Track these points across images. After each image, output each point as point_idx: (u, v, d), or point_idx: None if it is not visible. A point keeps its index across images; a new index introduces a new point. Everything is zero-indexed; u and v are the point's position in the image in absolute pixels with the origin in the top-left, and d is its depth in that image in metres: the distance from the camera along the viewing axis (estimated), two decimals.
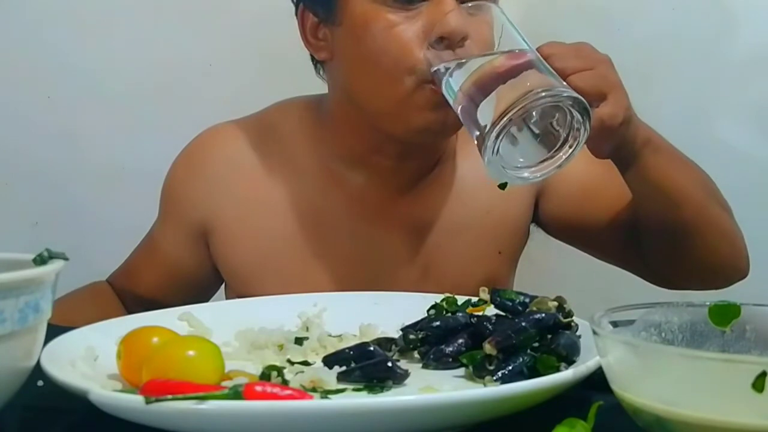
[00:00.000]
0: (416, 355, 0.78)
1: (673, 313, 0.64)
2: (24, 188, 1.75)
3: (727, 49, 1.63)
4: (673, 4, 1.64)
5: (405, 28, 0.93)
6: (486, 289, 0.79)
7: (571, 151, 0.78)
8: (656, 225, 0.99)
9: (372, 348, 0.74)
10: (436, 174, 1.09)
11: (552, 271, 1.54)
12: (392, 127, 0.99)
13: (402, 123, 0.96)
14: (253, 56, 1.67)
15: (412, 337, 0.78)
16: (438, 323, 0.78)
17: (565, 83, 0.77)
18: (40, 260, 0.64)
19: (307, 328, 0.84)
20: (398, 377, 0.69)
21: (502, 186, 0.82)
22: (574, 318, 0.74)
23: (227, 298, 1.16)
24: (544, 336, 0.71)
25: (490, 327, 0.74)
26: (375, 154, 1.05)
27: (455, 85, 0.82)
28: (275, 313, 0.86)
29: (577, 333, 0.73)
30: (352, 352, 0.73)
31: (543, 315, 0.72)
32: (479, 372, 0.70)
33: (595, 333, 0.57)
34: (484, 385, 0.69)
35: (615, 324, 0.60)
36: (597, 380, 0.60)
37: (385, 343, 0.79)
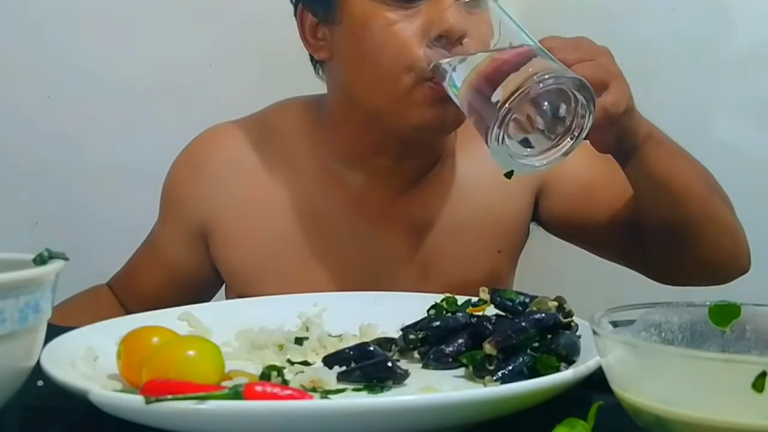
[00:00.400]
0: (416, 355, 0.78)
1: (673, 313, 0.64)
2: (24, 188, 1.75)
3: (726, 48, 1.63)
4: (673, 4, 1.64)
5: (404, 26, 0.93)
6: (486, 289, 0.79)
7: (576, 137, 0.78)
8: (658, 220, 0.99)
9: (372, 348, 0.74)
10: (435, 173, 1.09)
11: (552, 271, 1.55)
12: (391, 125, 0.99)
13: (401, 120, 0.97)
14: (253, 56, 1.68)
15: (412, 337, 0.78)
16: (438, 323, 0.78)
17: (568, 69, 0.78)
18: (40, 260, 0.64)
19: (307, 328, 0.84)
20: (398, 377, 0.69)
21: (508, 175, 0.82)
22: (574, 318, 0.74)
23: (227, 298, 1.16)
24: (544, 336, 0.71)
25: (490, 327, 0.74)
26: (374, 154, 1.06)
27: (458, 79, 0.83)
28: (275, 313, 0.86)
29: (577, 333, 0.73)
30: (352, 352, 0.73)
31: (543, 315, 0.72)
32: (479, 372, 0.70)
33: (595, 333, 0.57)
34: (484, 385, 0.69)
35: (615, 324, 0.60)
36: (597, 380, 0.60)
37: (385, 343, 0.79)
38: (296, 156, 1.10)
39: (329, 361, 0.73)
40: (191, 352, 0.65)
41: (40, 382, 0.66)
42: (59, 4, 1.73)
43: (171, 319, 0.81)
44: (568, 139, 0.78)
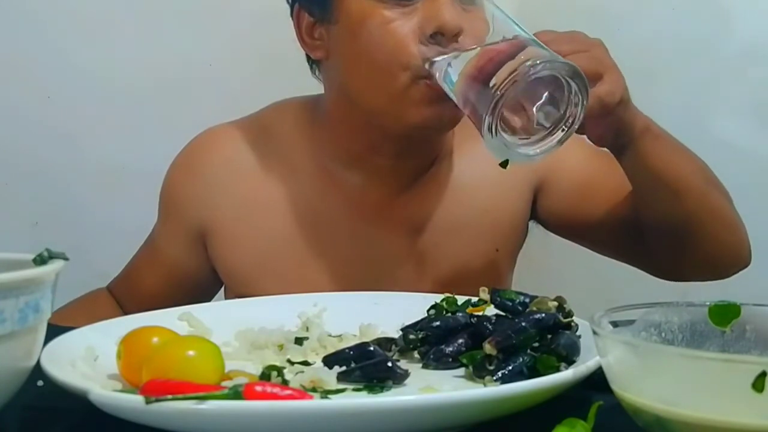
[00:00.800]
0: (416, 355, 0.78)
1: (673, 313, 0.64)
2: (24, 188, 1.75)
3: (726, 48, 1.64)
4: (673, 4, 1.64)
5: (401, 24, 0.93)
6: (486, 289, 0.79)
7: (570, 126, 0.78)
8: (657, 215, 0.99)
9: (372, 348, 0.74)
10: (433, 173, 1.09)
11: (552, 270, 1.55)
12: (388, 123, 0.99)
13: (398, 119, 0.97)
14: (253, 56, 1.68)
15: (412, 337, 0.78)
16: (438, 323, 0.78)
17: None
18: (40, 260, 0.64)
19: (307, 328, 0.84)
20: (398, 377, 0.69)
21: (504, 164, 0.82)
22: (574, 318, 0.74)
23: (226, 299, 1.16)
24: (544, 336, 0.71)
25: (490, 327, 0.74)
26: (372, 154, 1.06)
27: (454, 73, 0.83)
28: (275, 313, 0.86)
29: (577, 333, 0.73)
30: (352, 352, 0.73)
31: (543, 315, 0.72)
32: (479, 372, 0.70)
33: (595, 333, 0.57)
34: (484, 385, 0.69)
35: (615, 324, 0.60)
36: (597, 380, 0.60)
37: (385, 343, 0.79)
38: (294, 156, 1.10)
39: (329, 361, 0.73)
40: (191, 352, 0.65)
41: (40, 382, 0.66)
42: (59, 4, 1.73)
43: (171, 319, 0.81)
44: (563, 127, 0.79)
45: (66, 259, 0.64)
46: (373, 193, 1.08)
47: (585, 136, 0.93)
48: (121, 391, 0.66)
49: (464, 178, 1.10)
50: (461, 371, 0.73)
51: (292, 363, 0.77)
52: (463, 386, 0.70)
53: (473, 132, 1.07)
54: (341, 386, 0.69)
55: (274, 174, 1.10)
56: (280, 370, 0.69)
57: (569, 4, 1.57)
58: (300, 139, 1.10)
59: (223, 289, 1.18)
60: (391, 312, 0.84)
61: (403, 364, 0.72)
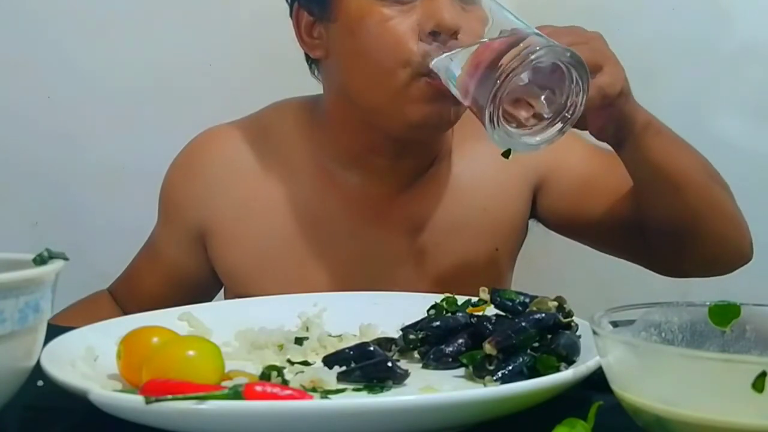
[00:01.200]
0: (416, 355, 0.78)
1: (673, 313, 0.64)
2: (24, 188, 1.75)
3: (726, 48, 1.64)
4: (673, 4, 1.64)
5: (399, 22, 0.93)
6: (486, 289, 0.79)
7: (571, 115, 0.78)
8: (659, 210, 0.98)
9: (372, 348, 0.74)
10: (432, 173, 1.09)
11: (552, 270, 1.55)
12: (388, 122, 0.99)
13: (397, 117, 0.97)
14: (253, 56, 1.68)
15: (412, 337, 0.78)
16: (438, 323, 0.78)
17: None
18: (40, 260, 0.64)
19: (307, 328, 0.84)
20: (398, 377, 0.69)
21: (506, 154, 0.83)
22: (574, 318, 0.74)
23: (226, 299, 1.16)
24: (544, 336, 0.71)
25: (490, 327, 0.74)
26: (371, 154, 1.06)
27: (456, 68, 0.83)
28: (275, 313, 0.86)
29: (577, 333, 0.73)
30: (352, 352, 0.73)
31: (543, 315, 0.72)
32: (479, 372, 0.70)
33: (595, 333, 0.57)
34: (484, 385, 0.68)
35: (615, 324, 0.60)
36: (597, 380, 0.60)
37: (385, 343, 0.79)
38: (293, 156, 1.10)
39: (329, 361, 0.73)
40: (191, 352, 0.65)
41: (40, 382, 0.66)
42: (59, 4, 1.73)
43: (171, 319, 0.81)
44: (564, 116, 0.79)
45: (66, 259, 0.64)
46: (373, 193, 1.08)
47: (585, 135, 0.93)
48: (121, 391, 0.66)
49: (464, 177, 1.10)
50: (461, 371, 0.73)
51: (292, 363, 0.77)
52: (463, 386, 0.70)
53: (472, 132, 1.08)
54: (341, 386, 0.69)
55: (274, 174, 1.10)
56: (280, 370, 0.69)
57: (569, 4, 1.57)
58: (299, 139, 1.10)
59: (223, 289, 1.18)
60: (391, 312, 0.84)
61: (403, 364, 0.72)
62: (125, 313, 1.15)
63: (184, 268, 1.14)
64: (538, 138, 0.80)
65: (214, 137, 1.14)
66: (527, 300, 0.76)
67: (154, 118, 1.70)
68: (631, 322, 0.62)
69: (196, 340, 0.71)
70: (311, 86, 1.10)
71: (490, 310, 0.79)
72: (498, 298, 0.78)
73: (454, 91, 0.84)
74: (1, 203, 1.73)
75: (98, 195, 1.74)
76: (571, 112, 0.79)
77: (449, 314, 0.80)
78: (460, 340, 0.75)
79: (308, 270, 1.08)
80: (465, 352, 0.74)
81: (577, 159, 1.10)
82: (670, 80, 1.62)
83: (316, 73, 1.08)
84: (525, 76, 0.77)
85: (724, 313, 0.63)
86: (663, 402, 0.53)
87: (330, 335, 0.83)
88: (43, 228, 1.74)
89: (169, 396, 0.55)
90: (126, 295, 1.18)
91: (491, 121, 0.77)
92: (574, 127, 0.87)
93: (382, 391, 0.68)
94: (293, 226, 1.08)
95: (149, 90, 1.71)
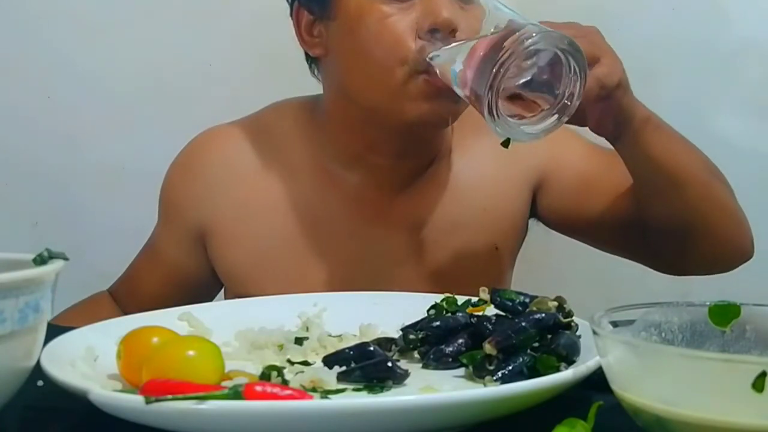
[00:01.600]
0: (416, 355, 0.78)
1: (673, 313, 0.64)
2: (24, 188, 1.75)
3: (726, 48, 1.63)
4: (673, 4, 1.64)
5: (398, 19, 0.94)
6: (486, 289, 0.79)
7: (570, 102, 0.79)
8: (659, 207, 0.98)
9: (372, 348, 0.74)
10: (432, 172, 1.09)
11: (552, 270, 1.55)
12: (387, 120, 0.99)
13: (396, 115, 0.97)
14: (253, 56, 1.67)
15: (412, 337, 0.78)
16: (438, 323, 0.78)
17: None
18: (40, 260, 0.64)
19: (307, 328, 0.84)
20: (398, 377, 0.69)
21: (505, 144, 0.83)
22: (574, 318, 0.74)
23: (226, 299, 1.16)
24: (544, 336, 0.71)
25: (490, 327, 0.74)
26: (371, 153, 1.06)
27: (456, 64, 0.83)
28: (275, 313, 0.86)
29: (577, 333, 0.73)
30: (352, 352, 0.73)
31: (543, 315, 0.72)
32: (479, 372, 0.70)
33: (595, 333, 0.57)
34: (484, 385, 0.68)
35: (615, 324, 0.60)
36: (597, 380, 0.60)
37: (385, 343, 0.79)
38: (293, 156, 1.10)
39: (329, 361, 0.73)
40: (191, 352, 0.65)
41: (40, 382, 0.66)
42: (59, 4, 1.73)
43: (171, 319, 0.81)
44: (563, 104, 0.79)
45: (66, 259, 0.64)
46: (373, 193, 1.08)
47: (584, 134, 0.93)
48: (121, 391, 0.66)
49: (463, 176, 1.10)
50: (461, 371, 0.73)
51: (292, 363, 0.77)
52: (463, 386, 0.70)
53: (472, 131, 1.08)
54: (341, 386, 0.69)
55: (274, 174, 1.10)
56: (280, 370, 0.69)
57: (569, 4, 1.57)
58: (299, 139, 1.10)
59: (223, 289, 1.18)
60: (391, 312, 0.84)
61: (403, 364, 0.72)
62: (125, 313, 1.15)
63: (184, 268, 1.14)
64: (537, 127, 0.80)
65: (213, 137, 1.14)
66: (527, 300, 0.76)
67: (154, 118, 1.70)
68: (631, 322, 0.62)
69: (196, 340, 0.71)
70: (311, 86, 1.10)
71: (490, 310, 0.79)
72: (498, 298, 0.78)
73: (455, 87, 0.84)
74: (1, 203, 1.73)
75: (98, 195, 1.74)
76: (569, 100, 0.79)
77: (449, 314, 0.80)
78: (460, 340, 0.75)
79: (308, 270, 1.08)
80: (465, 352, 0.74)
81: (577, 157, 1.10)
82: (670, 80, 1.62)
83: (315, 73, 1.08)
84: (525, 74, 0.77)
85: (724, 313, 0.63)
86: (663, 402, 0.53)
87: (330, 335, 0.83)
88: (43, 228, 1.74)
89: (169, 396, 0.55)
90: (126, 296, 1.18)
91: (490, 108, 0.77)
92: (574, 123, 0.87)
93: (382, 391, 0.68)
94: (293, 225, 1.08)
95: (149, 90, 1.71)
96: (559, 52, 0.77)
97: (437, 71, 0.89)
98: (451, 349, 0.75)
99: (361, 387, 0.69)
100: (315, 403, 0.60)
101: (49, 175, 1.74)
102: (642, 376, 0.55)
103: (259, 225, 1.09)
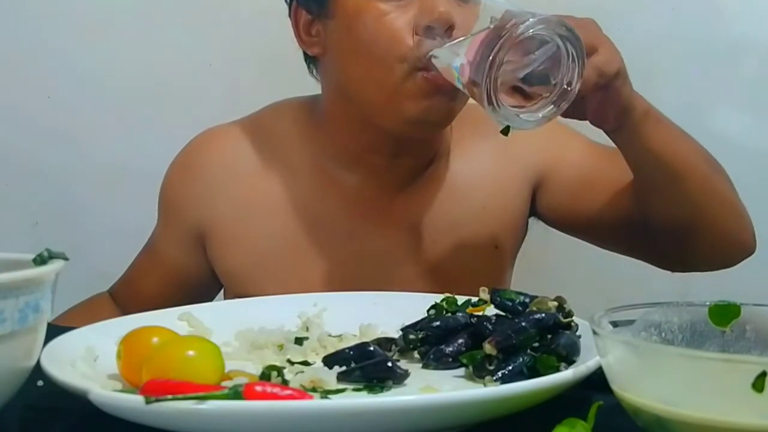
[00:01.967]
0: (416, 355, 0.78)
1: (673, 313, 0.64)
2: (24, 188, 1.75)
3: (726, 48, 1.63)
4: (673, 4, 1.64)
5: (396, 17, 0.94)
6: (486, 289, 0.79)
7: (570, 89, 0.79)
8: (660, 202, 0.98)
9: (372, 348, 0.74)
10: (431, 172, 1.09)
11: (552, 270, 1.55)
12: (385, 118, 0.99)
13: (395, 113, 0.97)
14: (253, 56, 1.68)
15: (412, 337, 0.78)
16: (438, 323, 0.78)
17: None
18: (40, 260, 0.64)
19: (307, 328, 0.84)
20: (398, 377, 0.69)
21: (505, 132, 0.83)
22: (574, 318, 0.74)
23: (226, 299, 1.16)
24: (544, 336, 0.71)
25: (490, 327, 0.74)
26: (370, 153, 1.06)
27: (457, 59, 0.83)
28: (275, 313, 0.86)
29: (577, 333, 0.73)
30: (352, 352, 0.73)
31: (543, 315, 0.72)
32: (479, 372, 0.70)
33: (595, 333, 0.57)
34: (484, 385, 0.68)
35: (615, 324, 0.60)
36: (597, 380, 0.60)
37: (385, 343, 0.79)
38: (292, 157, 1.10)
39: (329, 361, 0.73)
40: (191, 352, 0.65)
41: (40, 382, 0.66)
42: (59, 4, 1.73)
43: (171, 319, 0.81)
44: (562, 90, 0.79)
45: (66, 259, 0.64)
46: (372, 193, 1.08)
47: (583, 132, 0.93)
48: (121, 391, 0.66)
49: (462, 176, 1.10)
50: (461, 371, 0.73)
51: (292, 363, 0.77)
52: (463, 386, 0.70)
53: (471, 130, 1.08)
54: (341, 386, 0.69)
55: (273, 174, 1.10)
56: (280, 370, 0.69)
57: (569, 4, 1.57)
58: (298, 139, 1.10)
59: (223, 289, 1.18)
60: (391, 312, 0.84)
61: (403, 364, 0.72)
62: (126, 314, 1.15)
63: (184, 268, 1.14)
64: (536, 115, 0.80)
65: (213, 137, 1.14)
66: (527, 300, 0.76)
67: (154, 118, 1.70)
68: (631, 322, 0.62)
69: (196, 340, 0.71)
70: (311, 86, 1.10)
71: (490, 310, 0.79)
72: (498, 298, 0.78)
73: (456, 82, 0.84)
74: (1, 203, 1.74)
75: (98, 195, 1.74)
76: (568, 86, 0.79)
77: (449, 314, 0.80)
78: (460, 340, 0.75)
79: (307, 270, 1.08)
80: (465, 352, 0.74)
81: (577, 155, 1.10)
82: (670, 80, 1.62)
83: (314, 72, 1.08)
84: (525, 67, 0.77)
85: (724, 313, 0.63)
86: (663, 402, 0.53)
87: (330, 335, 0.83)
88: (43, 228, 1.74)
89: (169, 396, 0.55)
90: (126, 296, 1.18)
91: (489, 96, 0.77)
92: (573, 116, 0.87)
93: (382, 391, 0.68)
94: (293, 225, 1.08)
95: (149, 90, 1.71)
96: (557, 38, 0.77)
97: (439, 70, 0.89)
98: (451, 349, 0.75)
99: (361, 387, 0.69)
100: (315, 403, 0.60)
101: (49, 175, 1.74)
102: (642, 376, 0.55)
103: (259, 225, 1.09)
